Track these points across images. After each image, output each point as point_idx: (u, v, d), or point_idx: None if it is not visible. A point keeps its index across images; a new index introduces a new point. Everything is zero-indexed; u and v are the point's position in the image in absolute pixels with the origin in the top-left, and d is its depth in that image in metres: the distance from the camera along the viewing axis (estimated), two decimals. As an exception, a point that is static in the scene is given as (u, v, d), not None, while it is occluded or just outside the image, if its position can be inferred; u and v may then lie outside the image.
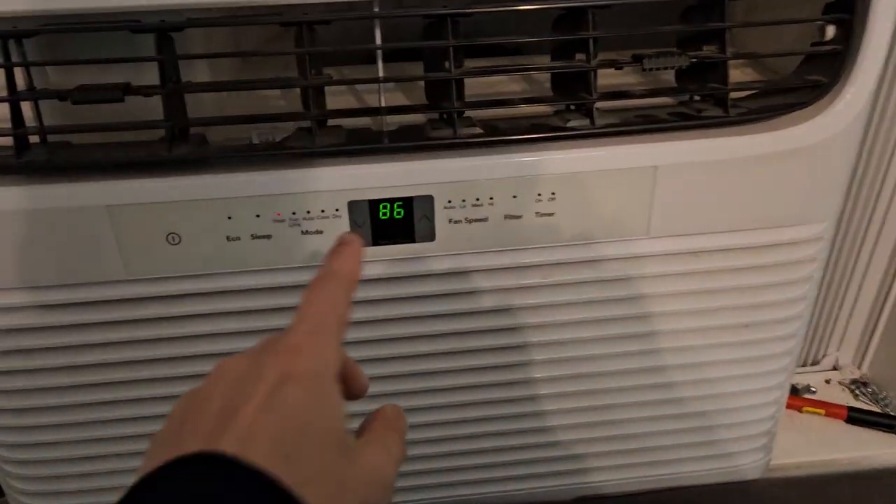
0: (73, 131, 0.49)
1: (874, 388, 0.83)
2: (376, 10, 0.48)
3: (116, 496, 0.25)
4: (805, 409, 0.81)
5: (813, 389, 0.84)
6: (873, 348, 0.84)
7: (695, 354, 0.60)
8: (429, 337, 0.56)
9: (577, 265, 0.54)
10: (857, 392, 0.83)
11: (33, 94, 0.48)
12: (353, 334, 0.53)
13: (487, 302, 0.55)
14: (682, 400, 0.62)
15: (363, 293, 0.52)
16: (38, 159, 0.47)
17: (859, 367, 0.86)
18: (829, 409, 0.80)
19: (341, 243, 0.36)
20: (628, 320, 0.57)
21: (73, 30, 0.48)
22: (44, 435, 0.56)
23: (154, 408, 0.55)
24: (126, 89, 0.46)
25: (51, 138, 0.49)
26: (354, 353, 0.33)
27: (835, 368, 0.87)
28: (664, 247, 0.54)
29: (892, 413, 0.80)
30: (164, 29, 0.46)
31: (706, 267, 0.56)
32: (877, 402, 0.82)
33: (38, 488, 0.60)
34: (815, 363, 0.87)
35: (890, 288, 0.80)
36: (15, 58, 0.46)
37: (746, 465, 0.69)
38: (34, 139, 0.48)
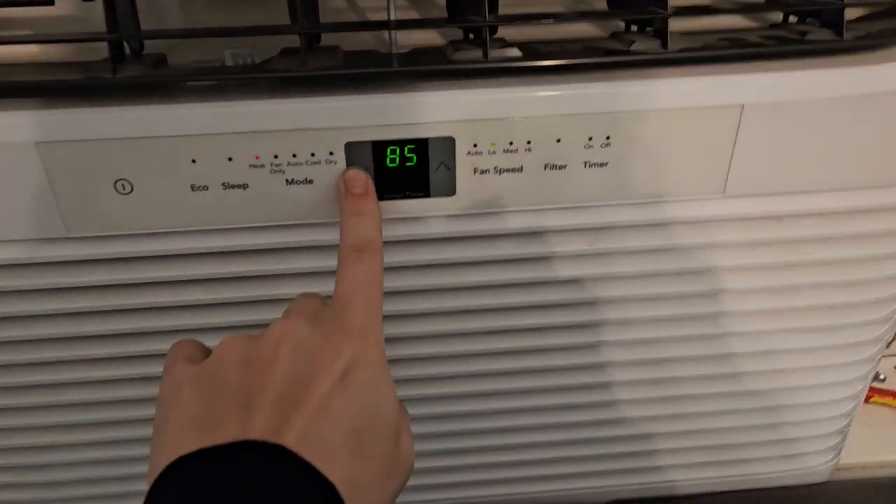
0: (-6, 45, 0.38)
1: (954, 376, 0.72)
2: None
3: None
4: (873, 399, 0.71)
5: (882, 377, 0.73)
6: (954, 331, 0.73)
7: (766, 341, 0.49)
8: (447, 314, 0.45)
9: (633, 230, 0.43)
10: (934, 381, 0.73)
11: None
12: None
13: (520, 273, 0.44)
14: (748, 393, 0.51)
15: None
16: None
17: (935, 352, 0.75)
18: (904, 401, 0.70)
19: (359, 195, 0.37)
20: (692, 298, 0.46)
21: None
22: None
23: (103, 392, 0.45)
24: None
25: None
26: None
27: (907, 353, 0.76)
28: (743, 209, 0.43)
29: (976, 406, 0.69)
30: None
31: (791, 235, 0.45)
32: (957, 392, 0.71)
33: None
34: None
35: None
36: None
37: (814, 467, 0.59)
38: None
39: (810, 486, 0.60)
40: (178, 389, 0.28)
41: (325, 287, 0.34)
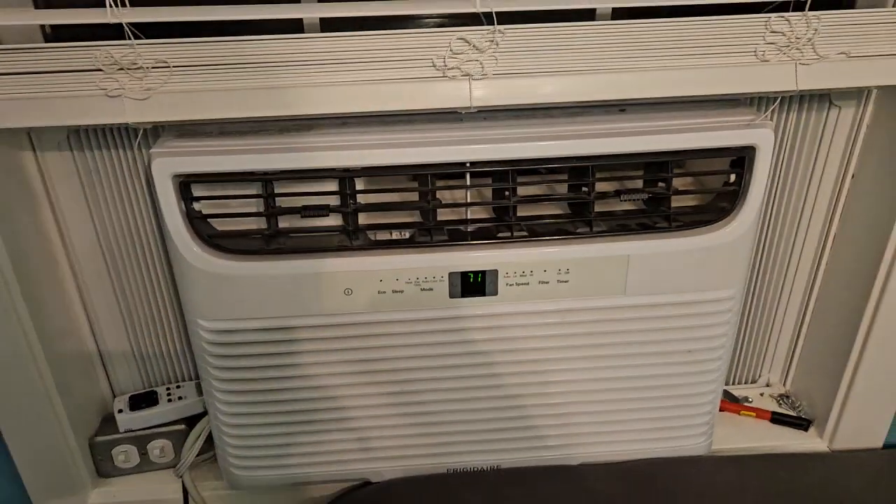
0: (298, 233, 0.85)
1: (792, 398, 1.15)
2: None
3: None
4: (742, 412, 1.13)
5: (750, 400, 1.15)
6: (792, 372, 1.17)
7: (655, 369, 0.95)
8: (482, 353, 0.91)
9: (580, 311, 0.89)
10: (781, 401, 1.14)
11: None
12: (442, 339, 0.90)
13: (524, 332, 0.90)
14: (645, 399, 0.96)
15: (456, 325, 0.88)
16: (282, 245, 0.84)
17: (784, 384, 1.19)
18: (759, 413, 1.11)
19: None
20: (616, 345, 0.92)
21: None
22: (253, 410, 0.92)
23: (351, 389, 0.91)
24: (325, 207, 0.82)
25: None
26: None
27: (767, 385, 1.19)
28: (635, 301, 0.89)
29: (803, 416, 1.13)
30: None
31: (662, 314, 0.91)
32: (793, 408, 1.13)
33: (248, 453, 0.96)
34: (753, 381, 1.18)
35: (800, 330, 1.13)
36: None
37: (693, 444, 1.03)
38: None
39: (695, 457, 1.03)
40: None
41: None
